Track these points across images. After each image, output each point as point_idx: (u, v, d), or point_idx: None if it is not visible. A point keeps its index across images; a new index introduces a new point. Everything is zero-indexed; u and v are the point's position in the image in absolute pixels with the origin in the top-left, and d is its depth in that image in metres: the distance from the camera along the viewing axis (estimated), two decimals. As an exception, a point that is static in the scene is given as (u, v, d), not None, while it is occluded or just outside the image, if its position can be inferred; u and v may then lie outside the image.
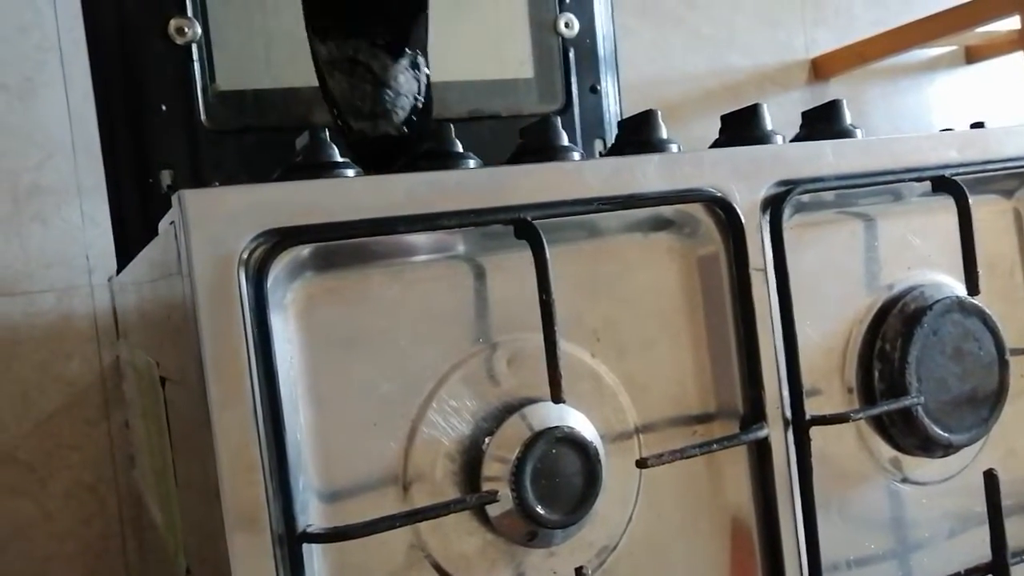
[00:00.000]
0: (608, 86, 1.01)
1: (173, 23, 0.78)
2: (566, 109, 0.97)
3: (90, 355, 0.99)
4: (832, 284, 0.56)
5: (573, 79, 0.96)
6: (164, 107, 0.81)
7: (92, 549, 0.98)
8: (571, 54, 0.94)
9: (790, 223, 0.54)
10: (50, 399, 0.97)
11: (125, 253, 0.78)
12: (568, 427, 0.47)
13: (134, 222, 0.80)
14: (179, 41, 0.78)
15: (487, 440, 0.47)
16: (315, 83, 0.82)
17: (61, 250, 0.98)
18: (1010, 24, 1.20)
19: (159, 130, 0.82)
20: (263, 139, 0.84)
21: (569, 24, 0.93)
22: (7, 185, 0.96)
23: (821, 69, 1.34)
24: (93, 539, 0.98)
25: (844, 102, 0.60)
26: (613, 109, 1.03)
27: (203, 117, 0.81)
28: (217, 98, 0.82)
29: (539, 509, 0.46)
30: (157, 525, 0.73)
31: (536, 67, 0.95)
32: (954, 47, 1.41)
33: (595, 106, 1.00)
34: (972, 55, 1.43)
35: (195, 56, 0.80)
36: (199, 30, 0.79)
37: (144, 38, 0.79)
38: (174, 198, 0.41)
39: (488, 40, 0.93)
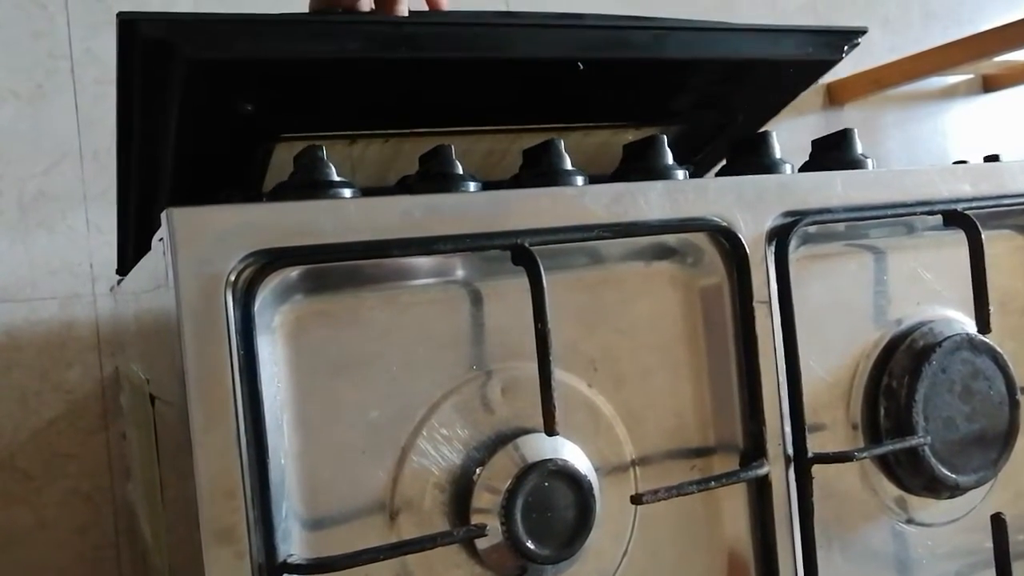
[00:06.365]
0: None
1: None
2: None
3: (91, 364, 0.98)
4: (839, 318, 0.55)
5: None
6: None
7: (86, 559, 0.97)
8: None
9: (796, 254, 0.52)
10: (49, 407, 0.97)
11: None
12: (562, 459, 0.46)
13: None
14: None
15: (478, 471, 0.45)
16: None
17: (65, 257, 0.98)
18: (1029, 54, 1.19)
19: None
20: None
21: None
22: (14, 191, 0.96)
23: (836, 94, 1.33)
24: (87, 549, 0.97)
25: (855, 131, 0.59)
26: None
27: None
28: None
29: (529, 544, 0.44)
30: (147, 540, 0.72)
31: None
32: (971, 75, 1.40)
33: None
34: (990, 84, 1.42)
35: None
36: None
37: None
38: (163, 215, 0.40)
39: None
